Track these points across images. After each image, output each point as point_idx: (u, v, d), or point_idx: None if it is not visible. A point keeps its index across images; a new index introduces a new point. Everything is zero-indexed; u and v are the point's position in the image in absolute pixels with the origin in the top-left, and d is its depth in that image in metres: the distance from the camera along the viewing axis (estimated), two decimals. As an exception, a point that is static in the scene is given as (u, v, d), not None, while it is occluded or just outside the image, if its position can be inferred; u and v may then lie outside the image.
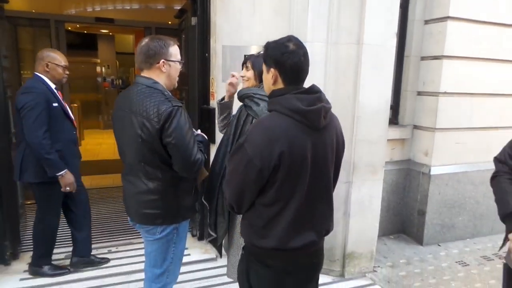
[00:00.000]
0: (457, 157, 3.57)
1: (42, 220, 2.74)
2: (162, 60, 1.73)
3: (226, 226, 2.04)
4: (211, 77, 3.11)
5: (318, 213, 1.44)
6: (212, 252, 3.18)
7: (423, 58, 3.55)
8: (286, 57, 1.33)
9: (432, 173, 3.48)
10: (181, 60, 1.84)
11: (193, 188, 1.91)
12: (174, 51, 1.78)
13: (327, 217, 1.50)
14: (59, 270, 2.83)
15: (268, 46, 1.40)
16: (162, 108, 1.62)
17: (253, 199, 1.39)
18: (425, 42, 3.51)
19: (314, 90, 1.37)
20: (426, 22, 3.49)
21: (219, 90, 2.96)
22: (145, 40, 1.75)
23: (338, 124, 1.51)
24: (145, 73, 1.75)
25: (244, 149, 1.31)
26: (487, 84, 3.54)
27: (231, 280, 2.13)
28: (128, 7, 6.06)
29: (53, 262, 2.86)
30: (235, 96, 2.06)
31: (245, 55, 2.26)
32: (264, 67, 1.44)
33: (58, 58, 2.67)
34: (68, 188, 2.59)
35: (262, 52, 2.03)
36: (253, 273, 1.49)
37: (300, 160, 1.32)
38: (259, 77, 1.97)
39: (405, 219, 3.80)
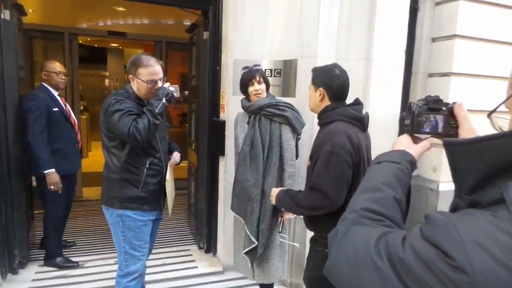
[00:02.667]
0: (465, 174, 3.55)
1: (48, 213, 3.00)
2: (130, 76, 2.09)
3: (268, 233, 2.08)
4: (221, 90, 3.15)
5: None
6: (219, 265, 3.17)
7: (430, 75, 3.58)
8: (334, 80, 1.68)
9: (440, 189, 3.46)
10: (152, 81, 2.02)
11: (141, 182, 2.04)
12: (144, 71, 2.01)
13: None
14: (70, 263, 3.08)
15: (317, 70, 1.75)
16: (107, 100, 2.00)
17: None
18: (432, 59, 3.55)
19: (360, 102, 1.73)
20: (434, 40, 3.53)
21: (229, 103, 3.00)
22: None
23: None
24: None
25: (337, 155, 1.55)
26: (496, 101, 3.54)
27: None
28: (139, 22, 6.20)
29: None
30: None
31: (246, 69, 2.26)
32: (312, 87, 1.75)
33: (52, 66, 2.97)
34: (52, 187, 2.80)
35: (253, 66, 2.23)
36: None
37: (362, 157, 1.62)
38: (267, 89, 2.22)
39: (413, 235, 3.76)
